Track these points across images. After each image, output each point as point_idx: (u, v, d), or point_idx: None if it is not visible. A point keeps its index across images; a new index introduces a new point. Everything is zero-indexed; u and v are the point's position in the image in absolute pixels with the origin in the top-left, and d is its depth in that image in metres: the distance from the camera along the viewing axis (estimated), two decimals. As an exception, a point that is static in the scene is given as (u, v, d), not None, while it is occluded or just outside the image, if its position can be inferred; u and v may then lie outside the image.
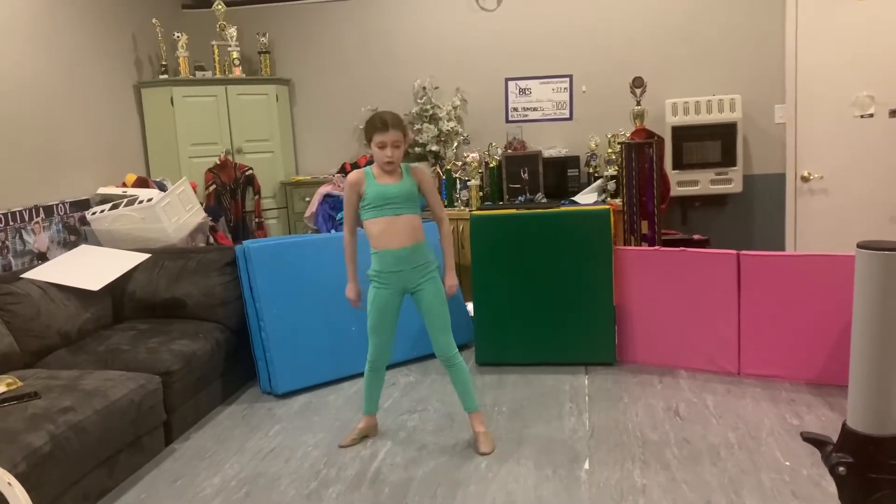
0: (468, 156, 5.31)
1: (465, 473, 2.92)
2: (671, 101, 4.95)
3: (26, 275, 3.65)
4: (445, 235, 3.22)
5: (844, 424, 1.46)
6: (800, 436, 1.58)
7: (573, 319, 4.00)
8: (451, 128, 5.44)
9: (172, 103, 5.13)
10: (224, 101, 5.27)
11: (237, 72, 5.42)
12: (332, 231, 4.89)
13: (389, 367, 3.57)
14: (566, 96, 5.42)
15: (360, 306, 3.23)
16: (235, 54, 5.42)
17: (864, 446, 1.41)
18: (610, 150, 5.11)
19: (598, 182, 5.10)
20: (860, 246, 1.38)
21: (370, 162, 5.36)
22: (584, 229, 3.96)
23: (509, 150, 5.33)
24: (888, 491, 1.39)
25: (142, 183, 4.77)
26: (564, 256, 3.97)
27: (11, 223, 3.91)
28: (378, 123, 2.99)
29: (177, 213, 4.47)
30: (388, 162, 3.00)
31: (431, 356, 4.31)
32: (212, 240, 4.86)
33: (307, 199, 5.38)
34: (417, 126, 5.44)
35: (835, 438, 1.50)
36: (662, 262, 3.92)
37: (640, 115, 4.47)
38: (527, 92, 5.46)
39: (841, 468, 1.43)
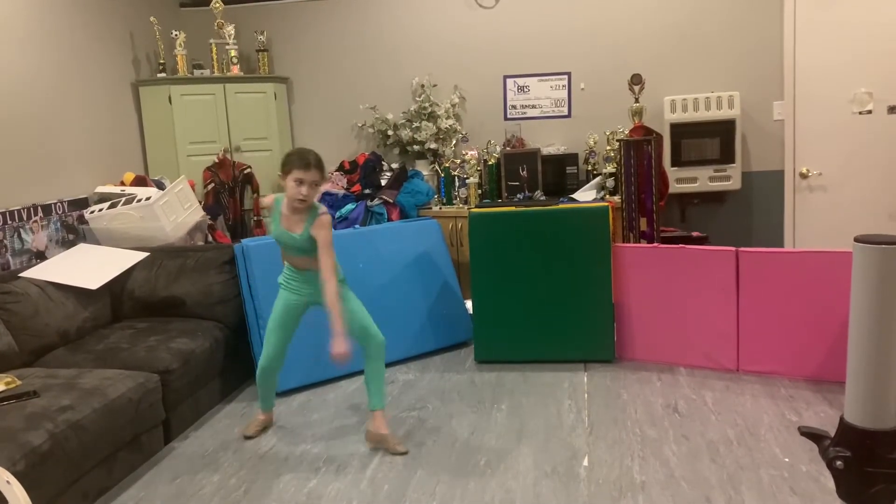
0: (467, 153, 5.31)
1: (464, 471, 2.93)
2: (669, 98, 4.94)
3: (25, 274, 3.65)
4: (329, 295, 2.94)
5: (842, 419, 1.46)
6: (797, 430, 1.58)
7: (572, 317, 4.00)
8: (450, 125, 5.44)
9: (170, 102, 5.12)
10: (222, 100, 5.27)
11: (235, 70, 5.42)
12: (331, 229, 4.88)
13: (389, 365, 3.57)
14: (565, 94, 5.42)
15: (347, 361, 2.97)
16: (233, 52, 5.41)
17: (862, 440, 1.41)
18: (608, 148, 5.11)
19: (597, 179, 5.10)
20: (857, 240, 1.38)
21: (369, 159, 5.44)
22: (582, 227, 3.96)
23: (508, 148, 5.33)
24: (885, 485, 1.39)
25: (140, 181, 4.77)
26: (563, 254, 3.97)
27: (10, 222, 3.91)
28: (298, 161, 2.94)
29: (175, 211, 4.46)
30: (301, 200, 2.96)
31: (430, 354, 4.33)
32: (210, 238, 4.86)
33: (306, 197, 5.36)
34: (416, 124, 5.43)
35: (832, 433, 1.50)
36: (661, 260, 3.92)
37: (638, 113, 4.47)
38: (525, 89, 5.46)
39: (838, 462, 1.43)
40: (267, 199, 3.19)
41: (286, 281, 3.21)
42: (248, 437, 3.34)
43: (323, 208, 3.09)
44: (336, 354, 2.88)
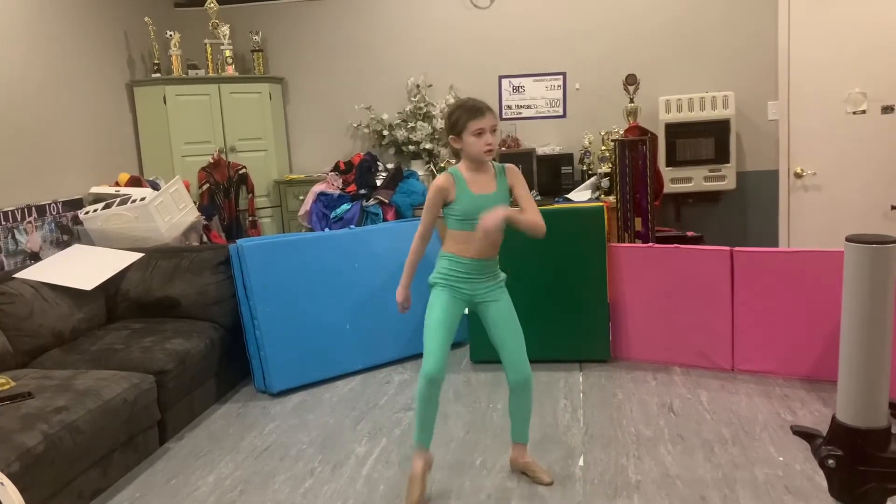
0: (462, 154, 5.30)
1: (460, 470, 2.93)
2: (664, 98, 4.95)
3: (19, 274, 3.64)
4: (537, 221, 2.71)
5: (834, 417, 1.47)
6: (790, 429, 1.59)
7: (567, 316, 4.00)
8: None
9: (165, 102, 5.11)
10: (217, 100, 5.26)
11: (230, 70, 5.41)
12: (326, 229, 4.88)
13: (383, 366, 3.57)
14: (560, 94, 5.42)
15: (406, 309, 2.91)
16: (228, 53, 5.40)
17: (853, 439, 1.42)
18: (603, 148, 5.11)
19: (592, 179, 5.11)
20: (849, 239, 1.39)
21: (365, 160, 5.44)
22: (578, 227, 3.96)
23: (503, 148, 5.33)
24: (876, 483, 1.40)
25: (135, 182, 4.76)
26: (558, 254, 3.98)
27: (4, 223, 3.89)
28: (471, 112, 2.60)
29: (170, 212, 4.46)
30: (489, 150, 2.61)
31: (426, 354, 4.32)
32: (205, 239, 4.85)
33: (301, 197, 5.37)
34: (411, 124, 5.43)
35: (826, 432, 1.51)
36: (656, 259, 3.93)
37: (633, 113, 4.48)
38: (520, 89, 5.47)
39: (830, 461, 1.44)
40: (441, 180, 2.66)
41: (447, 279, 2.75)
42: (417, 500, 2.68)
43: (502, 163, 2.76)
44: (487, 220, 2.52)
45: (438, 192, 2.66)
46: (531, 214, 2.69)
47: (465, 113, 2.62)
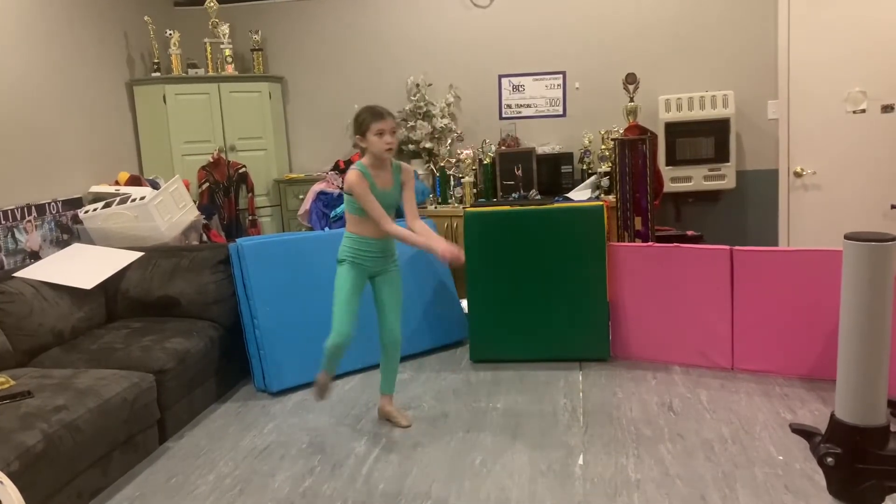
0: (462, 153, 5.31)
1: (460, 469, 2.93)
2: (664, 98, 4.95)
3: (19, 274, 3.64)
4: (418, 235, 3.16)
5: (833, 415, 1.47)
6: (789, 427, 1.59)
7: (567, 316, 4.00)
8: (445, 125, 5.44)
9: (165, 101, 5.11)
10: (217, 99, 5.26)
11: (230, 69, 5.41)
12: (326, 228, 4.89)
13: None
14: (559, 93, 5.42)
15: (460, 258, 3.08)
16: (228, 52, 5.40)
17: (852, 437, 1.42)
18: (603, 147, 5.11)
19: (592, 179, 5.11)
20: (847, 237, 1.39)
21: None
22: (577, 226, 3.97)
23: (503, 147, 5.33)
24: (875, 481, 1.40)
25: (134, 181, 4.76)
26: (558, 253, 3.98)
27: (3, 222, 3.89)
28: (373, 115, 3.08)
29: (170, 211, 4.46)
30: (389, 149, 3.08)
31: (425, 353, 4.33)
32: (205, 238, 4.85)
33: (301, 196, 5.37)
34: (411, 123, 5.43)
35: (824, 430, 1.51)
36: (656, 259, 3.93)
37: (633, 112, 4.48)
38: (520, 89, 5.47)
39: (829, 459, 1.44)
40: (352, 175, 3.06)
41: (355, 256, 3.17)
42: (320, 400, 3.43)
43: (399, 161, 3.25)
44: (446, 254, 2.96)
45: (361, 187, 3.07)
46: (415, 221, 3.19)
47: (369, 115, 3.09)
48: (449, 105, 5.50)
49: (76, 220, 4.42)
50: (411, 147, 5.44)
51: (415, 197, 3.26)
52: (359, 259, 3.17)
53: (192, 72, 5.32)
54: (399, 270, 3.31)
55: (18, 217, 4.00)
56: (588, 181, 5.10)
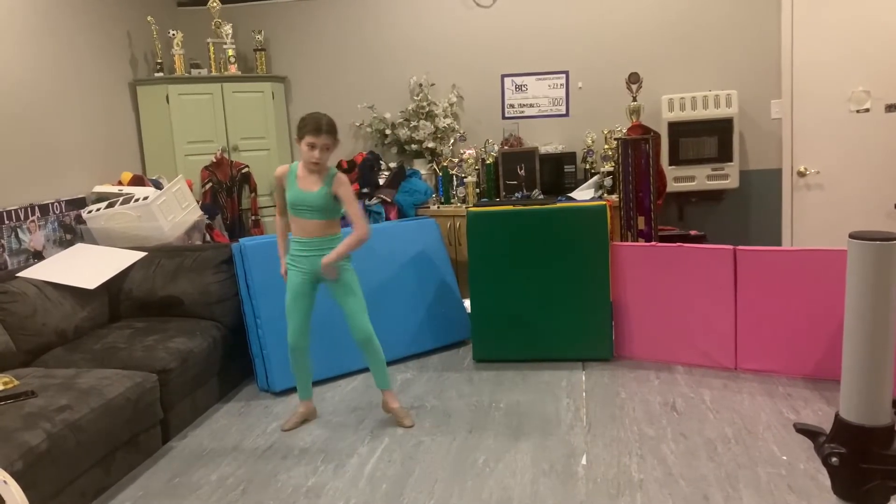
0: (464, 152, 5.31)
1: (462, 469, 2.93)
2: (667, 97, 4.94)
3: (22, 273, 3.65)
4: (352, 239, 3.21)
5: (837, 415, 1.46)
6: (793, 427, 1.58)
7: (570, 316, 4.00)
8: (448, 125, 5.44)
9: (168, 101, 5.12)
10: (220, 99, 5.26)
11: (233, 69, 5.41)
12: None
13: (387, 364, 3.56)
14: (562, 92, 5.42)
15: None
16: (231, 52, 5.41)
17: (857, 437, 1.41)
18: (606, 147, 5.11)
19: (595, 178, 5.10)
20: (852, 236, 1.39)
21: (367, 159, 5.44)
22: (580, 225, 3.96)
23: (506, 147, 5.33)
24: (880, 481, 1.39)
25: (137, 181, 4.77)
26: (561, 253, 3.97)
27: (7, 222, 3.90)
28: (310, 126, 3.12)
29: (173, 211, 4.46)
30: (314, 163, 3.15)
31: (428, 353, 4.33)
32: (208, 238, 4.86)
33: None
34: (414, 123, 5.43)
35: (829, 430, 1.50)
36: (659, 258, 3.92)
37: (636, 111, 4.47)
38: (523, 88, 5.46)
39: (833, 459, 1.43)
40: (279, 170, 3.26)
41: (292, 259, 3.27)
42: (285, 430, 3.40)
43: (337, 171, 3.27)
44: (323, 267, 3.15)
45: (276, 179, 3.27)
46: (355, 230, 3.16)
47: (308, 126, 3.12)
48: (452, 105, 5.50)
49: (79, 220, 4.43)
50: (414, 147, 5.44)
51: (355, 206, 3.22)
52: (294, 261, 3.26)
53: (195, 72, 5.33)
54: (350, 270, 3.28)
55: (22, 217, 4.01)
56: (591, 181, 5.10)
